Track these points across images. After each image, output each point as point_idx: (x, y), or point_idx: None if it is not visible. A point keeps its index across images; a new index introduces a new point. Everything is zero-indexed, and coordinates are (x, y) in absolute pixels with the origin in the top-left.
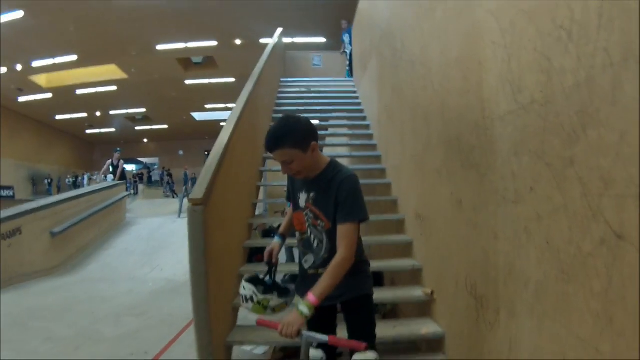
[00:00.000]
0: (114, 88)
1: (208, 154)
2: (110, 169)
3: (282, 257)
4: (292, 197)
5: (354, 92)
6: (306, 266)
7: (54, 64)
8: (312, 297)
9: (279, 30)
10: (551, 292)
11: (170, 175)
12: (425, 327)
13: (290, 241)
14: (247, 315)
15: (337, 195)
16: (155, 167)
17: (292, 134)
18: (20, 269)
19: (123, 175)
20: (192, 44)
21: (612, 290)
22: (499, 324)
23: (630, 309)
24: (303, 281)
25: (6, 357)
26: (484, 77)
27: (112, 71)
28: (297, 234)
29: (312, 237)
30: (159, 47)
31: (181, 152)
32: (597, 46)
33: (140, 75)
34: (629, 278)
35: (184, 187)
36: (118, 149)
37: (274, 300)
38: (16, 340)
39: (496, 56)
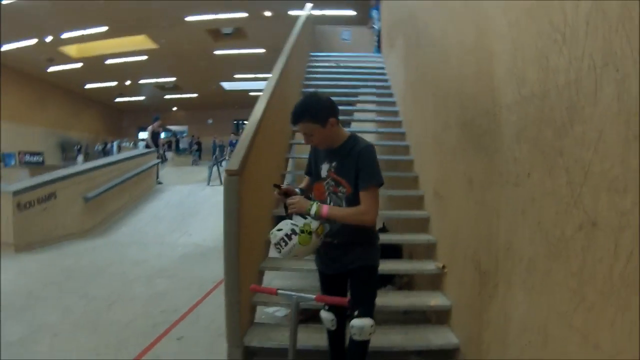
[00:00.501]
0: (144, 58)
1: (237, 123)
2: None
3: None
4: (313, 169)
5: (382, 67)
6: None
7: (84, 35)
8: (325, 208)
9: (309, 4)
10: (539, 269)
11: (198, 143)
12: (435, 299)
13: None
14: (271, 281)
15: (358, 162)
16: (184, 134)
17: (311, 110)
18: (54, 232)
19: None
20: (221, 16)
21: (585, 271)
22: (497, 296)
23: (599, 287)
24: (321, 250)
25: (41, 313)
26: (494, 67)
27: (142, 41)
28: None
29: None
30: (188, 19)
31: (210, 121)
32: (585, 51)
33: (170, 46)
34: (600, 261)
35: (214, 156)
36: (157, 116)
37: (313, 223)
38: (51, 297)
39: (504, 48)
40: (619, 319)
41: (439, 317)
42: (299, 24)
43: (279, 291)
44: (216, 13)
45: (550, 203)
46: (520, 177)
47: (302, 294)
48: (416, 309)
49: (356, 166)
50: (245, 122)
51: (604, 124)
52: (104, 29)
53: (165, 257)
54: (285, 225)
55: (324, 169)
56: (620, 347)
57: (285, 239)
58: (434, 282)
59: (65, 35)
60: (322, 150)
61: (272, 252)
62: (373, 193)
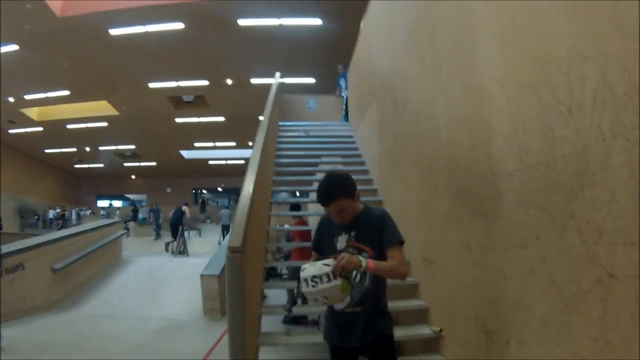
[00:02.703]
0: (104, 124)
1: (195, 192)
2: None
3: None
4: (324, 243)
5: (351, 136)
6: (341, 306)
7: (47, 98)
8: (370, 261)
9: (278, 74)
10: (555, 322)
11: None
12: None
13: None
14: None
15: (381, 225)
16: (143, 203)
17: (344, 187)
18: (21, 304)
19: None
20: (183, 83)
21: (607, 318)
22: (510, 353)
23: (622, 331)
24: (337, 322)
25: None
26: (491, 137)
27: (103, 107)
28: None
29: (353, 272)
30: (151, 85)
31: (169, 190)
32: (592, 122)
33: (131, 112)
34: (622, 308)
35: (180, 227)
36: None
37: (352, 277)
38: None
39: (503, 120)
40: None
41: None
42: (272, 95)
43: None
44: (178, 80)
45: (564, 261)
46: (527, 240)
47: None
48: None
49: (378, 229)
50: (204, 190)
51: (615, 188)
52: (66, 92)
53: (140, 332)
54: (321, 266)
55: (341, 240)
56: None
57: (328, 277)
58: (430, 346)
59: (27, 97)
60: (336, 224)
61: (267, 327)
62: (400, 249)
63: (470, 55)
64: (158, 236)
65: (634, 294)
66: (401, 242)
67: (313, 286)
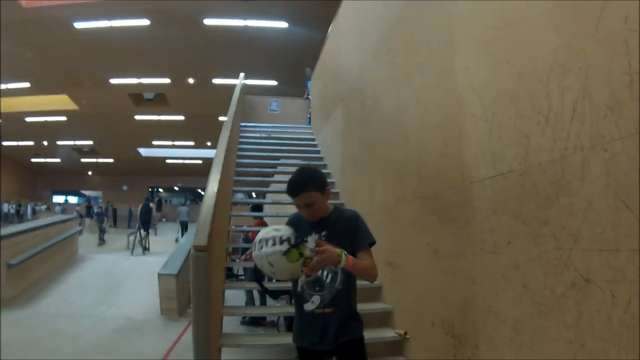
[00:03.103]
0: (63, 118)
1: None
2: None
3: (242, 298)
4: None
5: (313, 139)
6: (312, 307)
7: (6, 89)
8: (350, 258)
9: (242, 75)
10: (528, 326)
11: (114, 209)
12: None
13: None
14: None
15: (352, 226)
16: (99, 200)
17: (315, 180)
18: None
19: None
20: (145, 80)
21: (582, 322)
22: (479, 355)
23: (598, 334)
24: (306, 324)
25: None
26: (464, 144)
27: (63, 101)
28: (302, 277)
29: (324, 272)
30: (113, 81)
31: (125, 187)
32: (570, 132)
33: (91, 108)
34: (597, 311)
35: (137, 225)
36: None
37: (307, 250)
38: None
39: (477, 128)
40: (622, 356)
41: None
42: (236, 94)
43: None
44: (139, 77)
45: (537, 267)
46: (499, 246)
47: None
48: None
49: (350, 230)
50: (160, 189)
51: (592, 196)
52: (27, 84)
53: (97, 331)
54: (285, 231)
55: (311, 240)
56: None
57: (277, 240)
58: (394, 348)
59: None
60: (306, 223)
61: (227, 328)
62: (370, 252)
63: (446, 64)
64: (102, 242)
65: (610, 298)
66: (373, 243)
67: (261, 247)
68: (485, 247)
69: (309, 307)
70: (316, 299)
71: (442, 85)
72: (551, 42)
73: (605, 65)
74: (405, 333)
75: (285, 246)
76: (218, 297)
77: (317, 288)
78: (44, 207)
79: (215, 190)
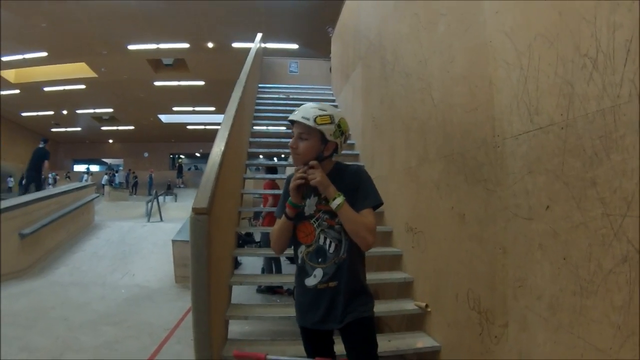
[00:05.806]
0: (82, 86)
1: (173, 157)
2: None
3: (259, 265)
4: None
5: (334, 100)
6: (314, 282)
7: (24, 59)
8: (346, 204)
9: (259, 35)
10: (567, 305)
11: (135, 177)
12: (421, 341)
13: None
14: (244, 329)
15: (356, 182)
16: (120, 168)
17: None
18: None
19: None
20: (163, 45)
21: (633, 304)
22: (507, 337)
23: None
24: (308, 301)
25: None
26: (495, 96)
27: (81, 69)
28: (302, 248)
29: (327, 241)
30: (131, 47)
31: (146, 154)
32: (624, 77)
33: (110, 75)
34: None
35: (154, 191)
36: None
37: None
38: None
39: (510, 77)
40: None
41: (422, 358)
42: (251, 55)
43: (269, 357)
44: (158, 42)
45: (581, 236)
46: (535, 210)
47: (280, 357)
48: (402, 352)
49: (354, 186)
50: (181, 155)
51: None
52: (44, 54)
53: (108, 300)
54: None
55: (310, 203)
56: None
57: None
58: (413, 322)
59: (5, 59)
60: (305, 186)
61: (240, 298)
62: (371, 213)
63: (474, 9)
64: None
65: None
66: (379, 204)
67: None
68: (519, 213)
69: (310, 282)
70: (319, 272)
71: (469, 32)
72: None
73: None
74: (427, 306)
75: None
76: (225, 264)
77: (319, 260)
78: (65, 176)
79: (222, 149)
